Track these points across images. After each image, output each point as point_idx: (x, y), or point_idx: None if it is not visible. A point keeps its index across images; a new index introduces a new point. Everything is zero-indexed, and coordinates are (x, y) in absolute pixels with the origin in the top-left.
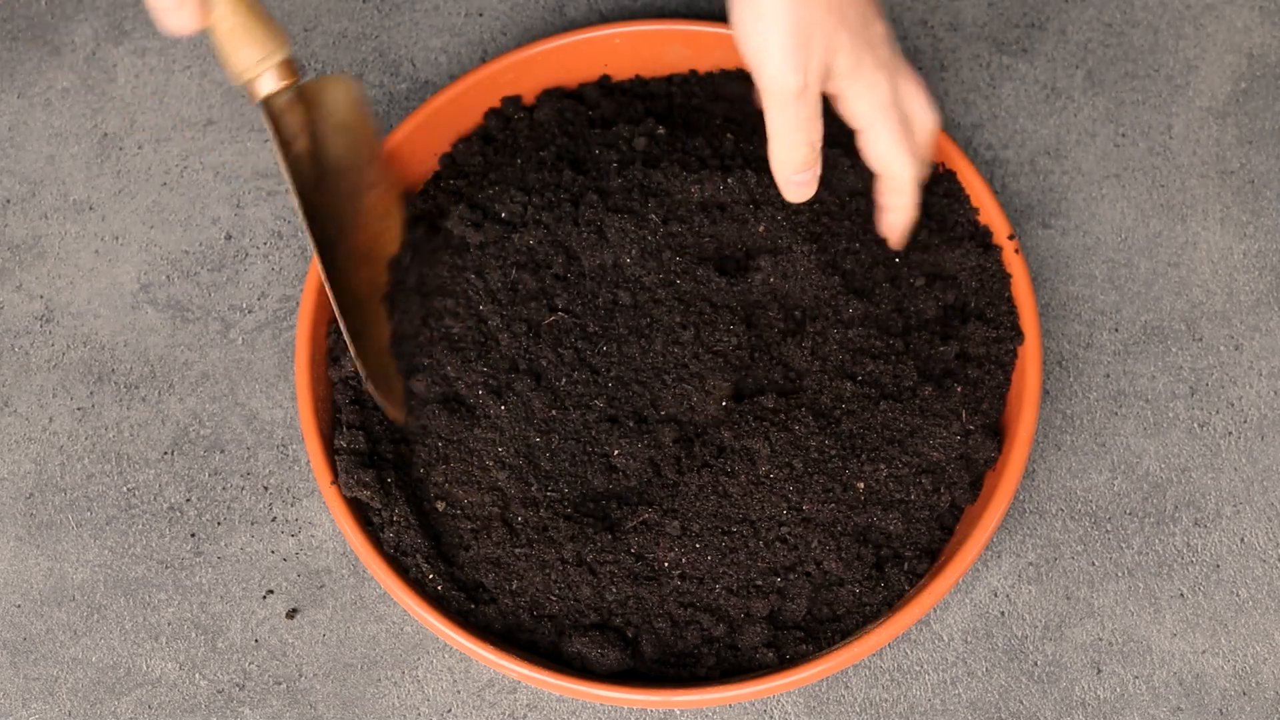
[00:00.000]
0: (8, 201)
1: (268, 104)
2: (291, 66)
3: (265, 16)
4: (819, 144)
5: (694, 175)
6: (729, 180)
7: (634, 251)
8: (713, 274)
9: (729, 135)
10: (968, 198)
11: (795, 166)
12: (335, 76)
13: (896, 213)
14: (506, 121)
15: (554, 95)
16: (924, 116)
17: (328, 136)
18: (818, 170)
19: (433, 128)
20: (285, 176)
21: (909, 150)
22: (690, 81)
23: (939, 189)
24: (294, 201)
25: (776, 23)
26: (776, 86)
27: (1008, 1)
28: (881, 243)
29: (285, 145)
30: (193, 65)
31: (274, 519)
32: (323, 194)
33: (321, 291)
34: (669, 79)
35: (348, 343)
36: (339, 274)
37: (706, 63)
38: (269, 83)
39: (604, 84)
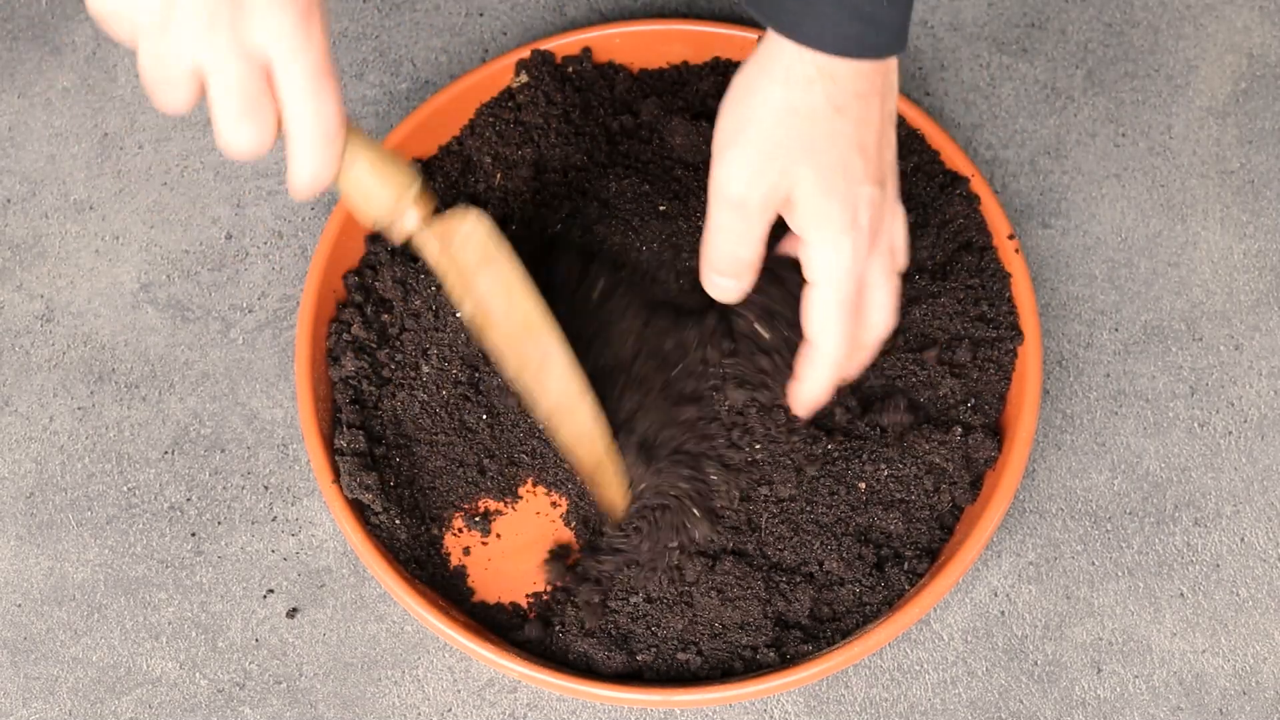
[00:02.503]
0: (8, 201)
1: (414, 243)
2: (430, 194)
3: (389, 152)
4: (751, 262)
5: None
6: None
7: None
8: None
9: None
10: (977, 198)
11: (719, 270)
12: (462, 210)
13: (806, 386)
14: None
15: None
16: (880, 315)
17: (473, 262)
18: (744, 285)
19: (433, 127)
20: (464, 316)
21: (844, 330)
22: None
23: (952, 188)
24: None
25: (744, 130)
26: (716, 185)
27: (1008, 1)
28: None
29: (443, 278)
30: None
31: (274, 519)
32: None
33: (322, 292)
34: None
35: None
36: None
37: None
38: (413, 219)
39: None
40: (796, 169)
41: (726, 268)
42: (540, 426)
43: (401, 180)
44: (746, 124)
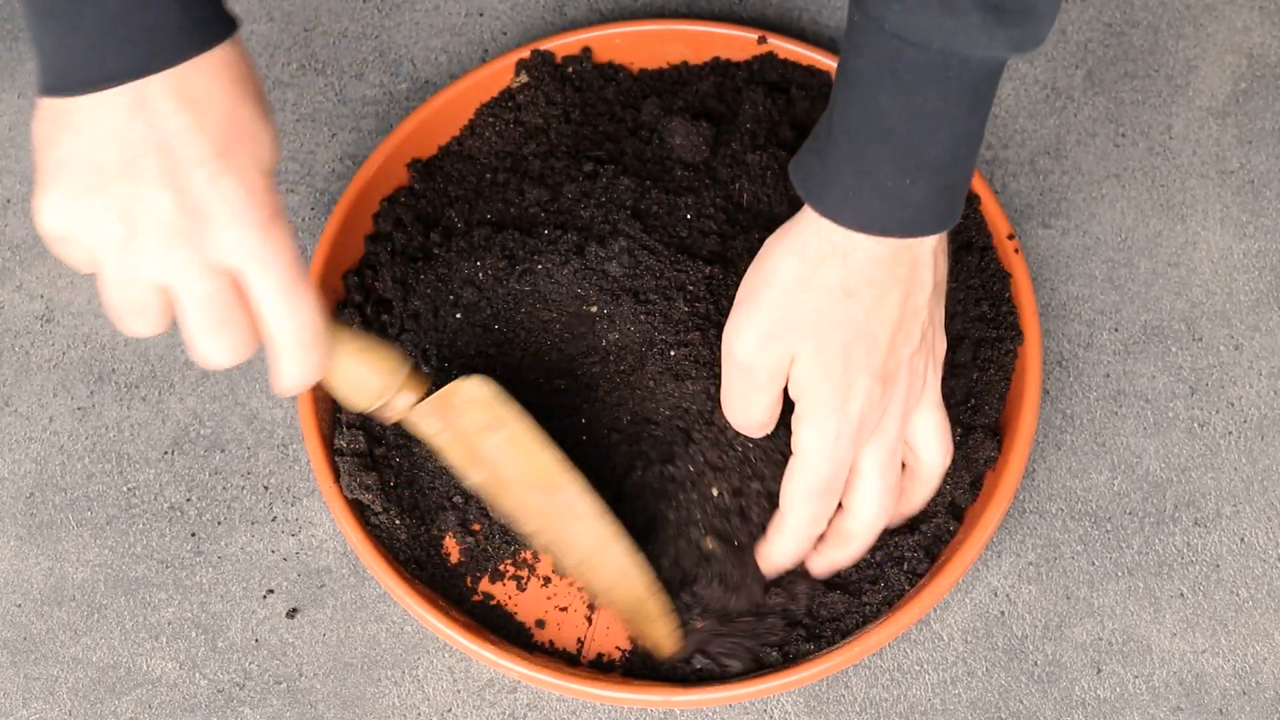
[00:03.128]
0: (8, 201)
1: (412, 419)
2: (420, 375)
3: (374, 340)
4: (762, 421)
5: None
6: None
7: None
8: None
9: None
10: (977, 198)
11: (734, 423)
12: (461, 381)
13: (771, 549)
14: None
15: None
16: (864, 505)
17: (473, 430)
18: (761, 434)
19: (433, 127)
20: (470, 483)
21: (808, 508)
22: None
23: None
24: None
25: (762, 293)
26: (726, 345)
27: None
28: None
29: (440, 451)
30: None
31: (274, 519)
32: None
33: (321, 291)
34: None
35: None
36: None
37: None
38: (407, 399)
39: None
40: (800, 345)
41: (742, 424)
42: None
43: (389, 365)
44: (760, 289)
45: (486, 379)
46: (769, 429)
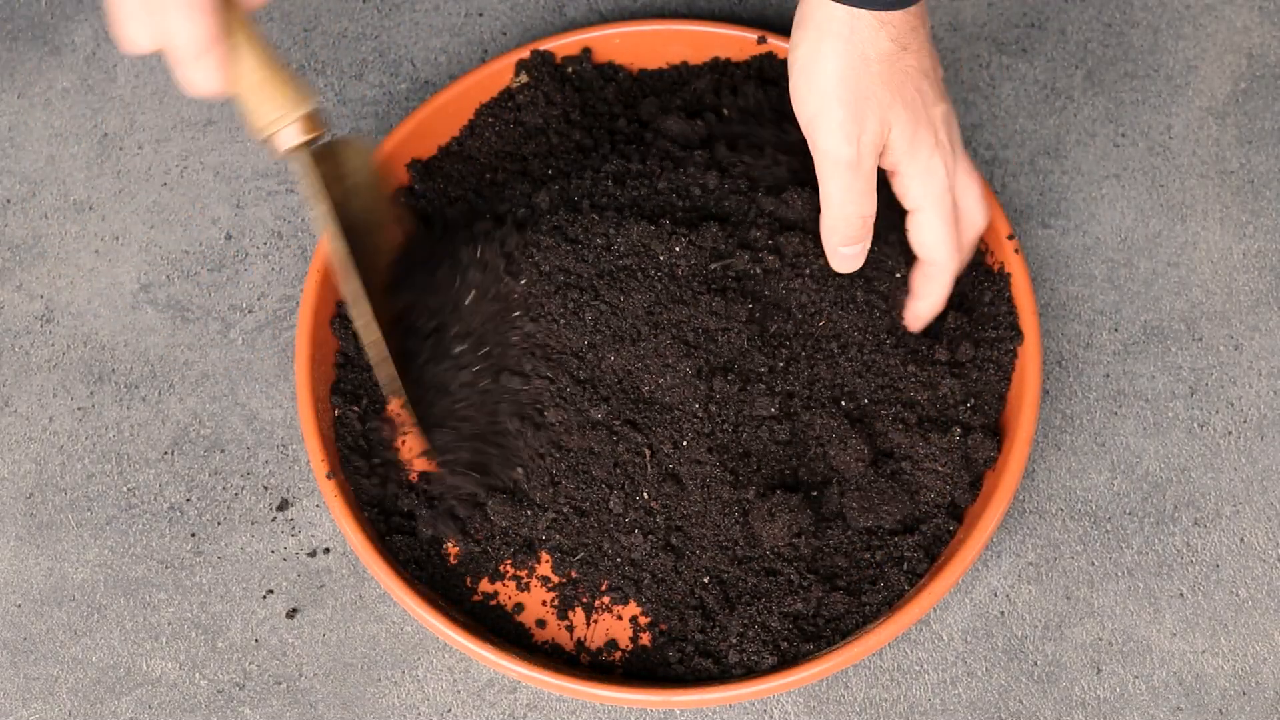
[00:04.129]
0: (8, 201)
1: (297, 157)
2: (316, 120)
3: (287, 71)
4: (871, 218)
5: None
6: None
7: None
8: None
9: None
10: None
11: (844, 238)
12: (351, 138)
13: (925, 301)
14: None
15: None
16: (975, 213)
17: (346, 195)
18: (867, 243)
19: (433, 127)
20: (328, 223)
21: (954, 241)
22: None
23: None
24: (338, 251)
25: (832, 92)
26: (830, 157)
27: (1008, 1)
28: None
29: (312, 198)
30: None
31: (274, 519)
32: (354, 249)
33: (321, 292)
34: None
35: (394, 391)
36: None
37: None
38: (291, 136)
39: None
40: (889, 112)
41: (855, 232)
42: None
43: (289, 96)
44: (829, 87)
45: (372, 141)
46: (869, 233)
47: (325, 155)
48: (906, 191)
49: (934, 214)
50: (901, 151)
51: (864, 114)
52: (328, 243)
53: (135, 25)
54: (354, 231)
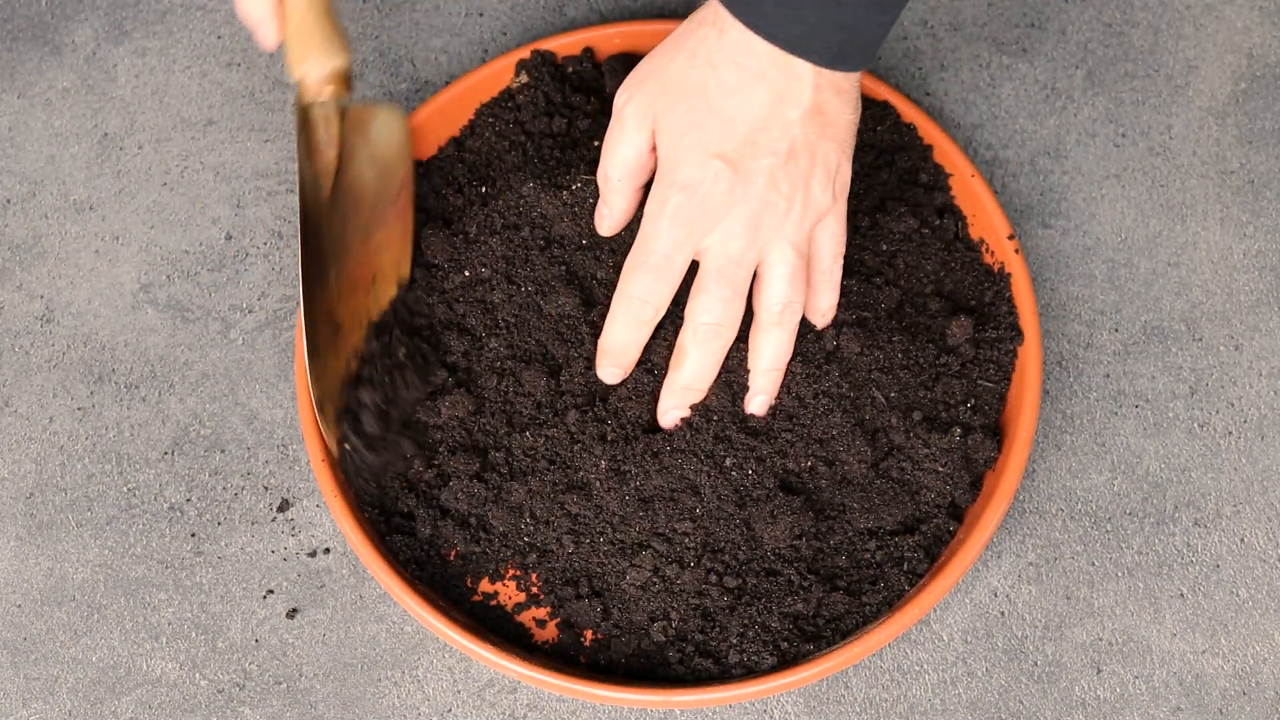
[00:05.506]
0: (8, 201)
1: (305, 108)
2: (345, 78)
3: (333, 23)
4: (622, 174)
5: None
6: None
7: None
8: None
9: None
10: (947, 184)
11: (604, 167)
12: (387, 106)
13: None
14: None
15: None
16: (702, 303)
17: (361, 162)
18: (612, 213)
19: (433, 127)
20: (297, 178)
21: (636, 278)
22: None
23: (937, 189)
24: (298, 205)
25: (652, 52)
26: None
27: (1008, 1)
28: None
29: (310, 151)
30: (193, 65)
31: (274, 519)
32: (335, 212)
33: None
34: None
35: (303, 357)
36: (322, 291)
37: None
38: (314, 88)
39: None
40: (658, 102)
41: (608, 164)
42: None
43: (327, 49)
44: (653, 51)
45: (399, 111)
46: (622, 192)
47: (352, 116)
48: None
49: (638, 237)
50: (658, 157)
51: (639, 86)
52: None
53: None
54: (353, 196)
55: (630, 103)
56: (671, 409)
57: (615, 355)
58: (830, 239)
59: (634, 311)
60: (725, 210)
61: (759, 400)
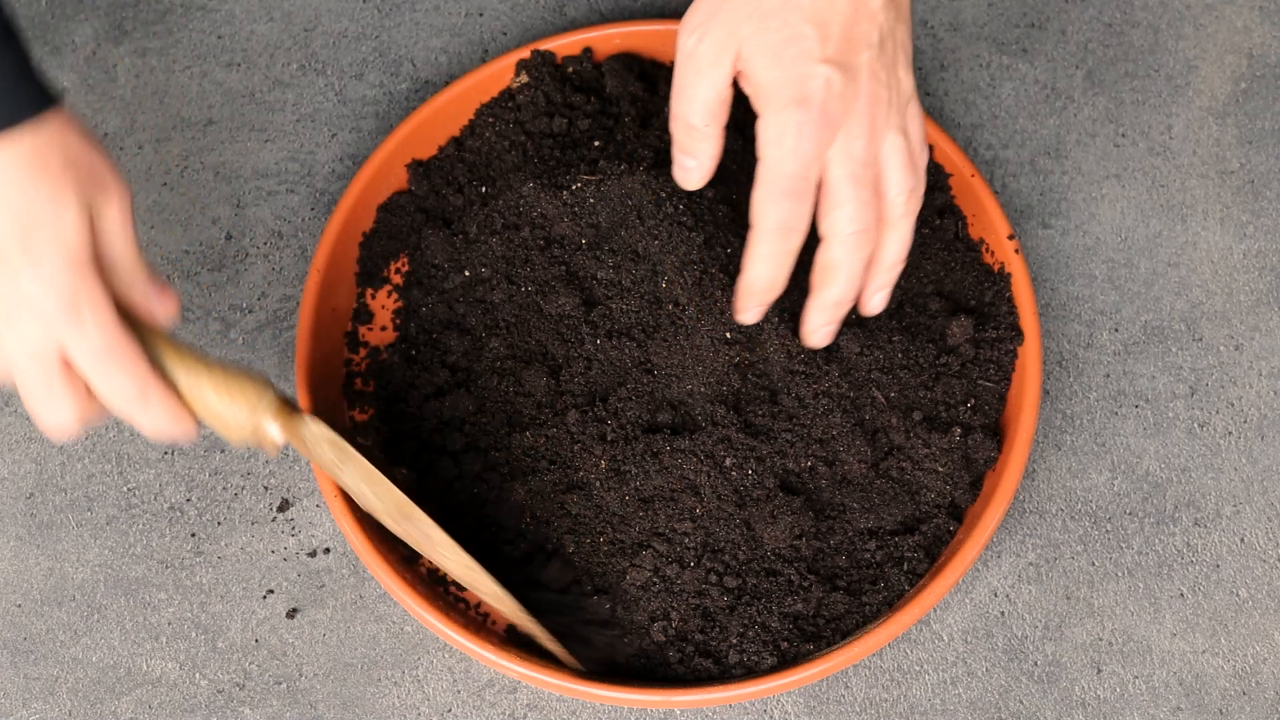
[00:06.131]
0: None
1: (298, 435)
2: (281, 401)
3: (227, 370)
4: (697, 125)
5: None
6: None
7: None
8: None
9: None
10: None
11: (673, 137)
12: (304, 422)
13: (746, 276)
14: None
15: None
16: (843, 224)
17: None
18: (704, 164)
19: (433, 127)
20: (370, 482)
21: (779, 213)
22: None
23: (939, 190)
24: (401, 503)
25: None
26: (678, 45)
27: (1008, 1)
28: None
29: (332, 471)
30: (193, 65)
31: (274, 519)
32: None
33: (322, 292)
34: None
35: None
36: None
37: None
38: (278, 428)
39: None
40: (743, 27)
41: (678, 134)
42: None
43: (247, 399)
44: None
45: (318, 421)
46: (702, 149)
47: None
48: (757, 137)
49: (764, 169)
50: (753, 86)
51: (713, 18)
52: (385, 502)
53: (53, 408)
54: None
55: (705, 38)
56: (822, 326)
57: (762, 293)
58: (918, 121)
59: (779, 242)
60: (843, 114)
61: (879, 297)
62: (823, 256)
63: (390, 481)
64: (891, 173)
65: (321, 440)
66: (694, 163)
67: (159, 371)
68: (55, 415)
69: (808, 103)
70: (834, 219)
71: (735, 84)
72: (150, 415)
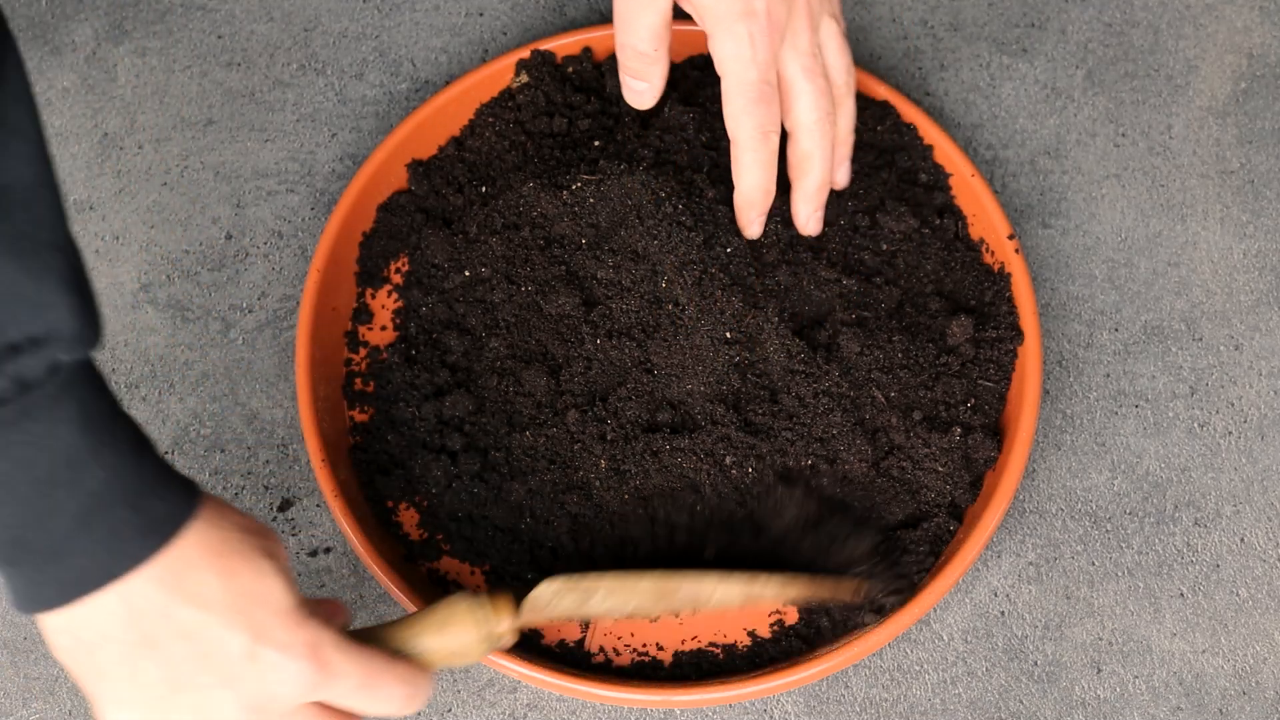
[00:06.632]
0: None
1: (536, 612)
2: (494, 598)
3: (433, 608)
4: (646, 52)
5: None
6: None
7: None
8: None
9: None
10: (947, 183)
11: (621, 65)
12: (534, 592)
13: (740, 184)
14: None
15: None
16: (805, 115)
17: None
18: (653, 86)
19: (433, 127)
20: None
21: (754, 120)
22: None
23: (936, 188)
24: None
25: None
26: None
27: (1008, 1)
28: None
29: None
30: (193, 65)
31: (274, 519)
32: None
33: (321, 292)
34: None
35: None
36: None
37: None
38: (505, 628)
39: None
40: None
41: (629, 62)
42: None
43: (464, 622)
44: None
45: (550, 580)
46: (659, 75)
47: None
48: (713, 57)
49: (731, 83)
50: (703, 6)
51: None
52: (643, 595)
53: None
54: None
55: None
56: (812, 214)
57: (759, 202)
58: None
59: (760, 146)
60: (786, 14)
61: (844, 170)
62: (796, 150)
63: (637, 573)
64: (831, 57)
65: (556, 597)
66: (645, 85)
67: (403, 658)
68: None
69: (754, 13)
70: (798, 112)
71: (675, 6)
72: (420, 700)
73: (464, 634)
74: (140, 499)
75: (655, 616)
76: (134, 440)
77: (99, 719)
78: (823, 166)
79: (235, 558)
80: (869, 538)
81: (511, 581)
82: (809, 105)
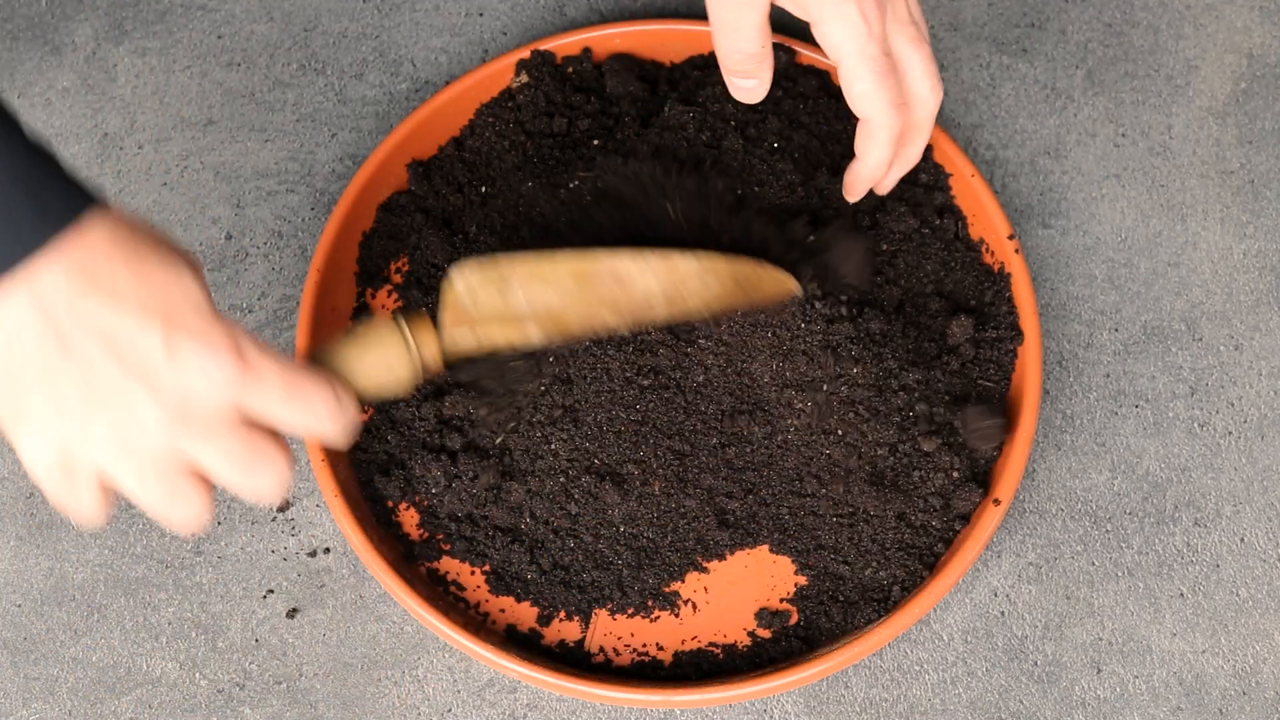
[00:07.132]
0: None
1: (452, 352)
2: (417, 320)
3: (364, 330)
4: (754, 52)
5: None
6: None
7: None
8: None
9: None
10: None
11: (730, 69)
12: (447, 283)
13: (863, 161)
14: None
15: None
16: (920, 85)
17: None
18: (764, 81)
19: (433, 127)
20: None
21: (890, 95)
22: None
23: (937, 189)
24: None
25: None
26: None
27: (1008, 1)
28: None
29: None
30: (193, 65)
31: (274, 519)
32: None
33: (321, 292)
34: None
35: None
36: None
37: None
38: (430, 349)
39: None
40: None
41: (737, 65)
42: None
43: (396, 345)
44: None
45: (459, 265)
46: (768, 68)
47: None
48: (823, 42)
49: (854, 62)
50: None
51: None
52: (560, 284)
53: (188, 499)
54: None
55: None
56: (894, 174)
57: (876, 177)
58: None
59: (895, 122)
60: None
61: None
62: (914, 117)
63: (551, 252)
64: (916, 12)
65: (470, 293)
66: (755, 82)
67: (324, 370)
68: (189, 508)
69: None
70: (912, 80)
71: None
72: (346, 416)
73: (387, 350)
74: (37, 188)
75: (587, 322)
76: (28, 144)
77: (14, 445)
78: (929, 133)
79: (147, 253)
80: (797, 227)
81: (512, 581)
82: (921, 73)
